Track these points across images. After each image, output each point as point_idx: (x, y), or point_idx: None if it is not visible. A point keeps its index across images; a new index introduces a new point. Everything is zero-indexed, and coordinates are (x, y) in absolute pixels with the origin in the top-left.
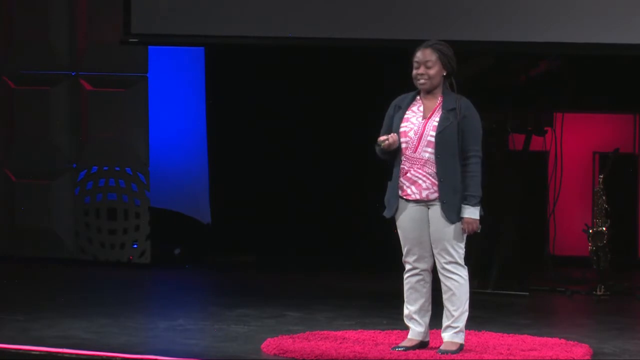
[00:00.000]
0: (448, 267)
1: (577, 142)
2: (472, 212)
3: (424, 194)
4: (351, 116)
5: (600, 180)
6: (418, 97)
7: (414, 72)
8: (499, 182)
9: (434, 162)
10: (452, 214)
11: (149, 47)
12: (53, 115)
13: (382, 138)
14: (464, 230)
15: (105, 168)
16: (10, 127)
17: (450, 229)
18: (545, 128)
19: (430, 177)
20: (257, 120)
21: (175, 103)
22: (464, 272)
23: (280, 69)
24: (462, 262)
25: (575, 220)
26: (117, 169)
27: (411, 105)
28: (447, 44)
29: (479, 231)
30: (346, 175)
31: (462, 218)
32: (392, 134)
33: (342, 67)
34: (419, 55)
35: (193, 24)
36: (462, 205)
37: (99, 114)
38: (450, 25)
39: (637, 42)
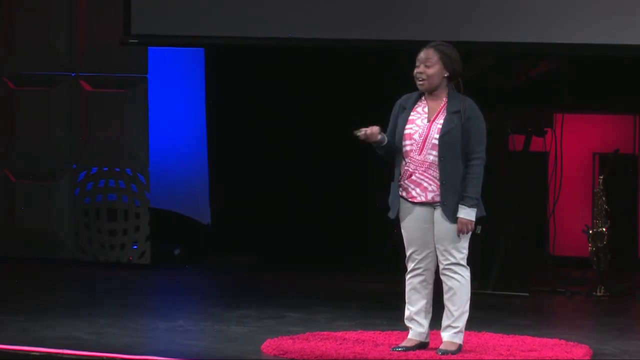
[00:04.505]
0: (450, 267)
1: (577, 142)
2: (467, 213)
3: (430, 196)
4: (351, 116)
5: (600, 180)
6: (423, 98)
7: (415, 70)
8: (499, 182)
9: (437, 164)
10: (453, 215)
11: (149, 47)
12: (53, 115)
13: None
14: (458, 230)
15: (105, 169)
16: (10, 128)
17: (452, 230)
18: (545, 129)
19: (436, 180)
20: (257, 120)
21: (175, 103)
22: (466, 273)
23: (280, 69)
24: (464, 262)
25: (575, 220)
26: (117, 169)
27: (416, 106)
28: (452, 46)
29: (478, 232)
30: (346, 175)
31: (458, 218)
32: (371, 127)
33: (342, 67)
34: (421, 54)
35: (193, 25)
36: (459, 205)
37: (99, 115)
38: (450, 25)
39: (637, 43)
